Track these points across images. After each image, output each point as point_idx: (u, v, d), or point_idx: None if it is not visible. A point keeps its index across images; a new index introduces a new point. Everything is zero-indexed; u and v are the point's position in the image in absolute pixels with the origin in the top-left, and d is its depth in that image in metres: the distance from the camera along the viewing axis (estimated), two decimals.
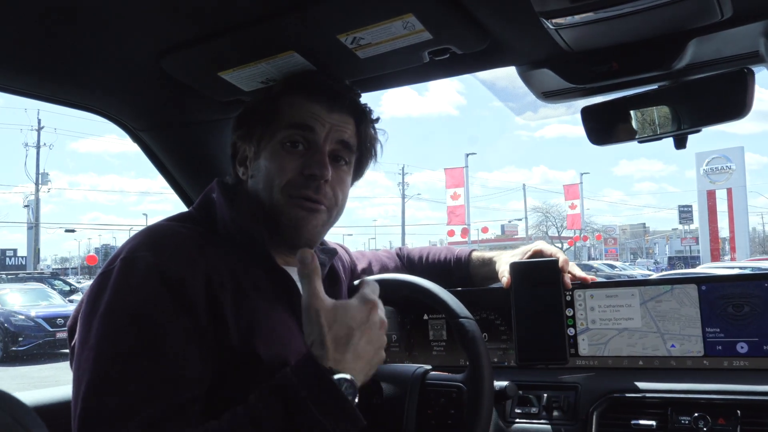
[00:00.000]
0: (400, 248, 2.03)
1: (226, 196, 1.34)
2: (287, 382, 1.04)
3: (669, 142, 1.56)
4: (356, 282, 1.21)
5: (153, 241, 1.19)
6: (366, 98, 1.47)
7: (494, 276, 1.80)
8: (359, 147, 1.41)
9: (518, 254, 1.76)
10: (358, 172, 1.46)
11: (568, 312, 1.72)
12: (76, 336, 1.16)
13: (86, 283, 30.96)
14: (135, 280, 1.12)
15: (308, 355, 1.08)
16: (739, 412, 1.39)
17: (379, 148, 1.47)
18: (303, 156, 1.31)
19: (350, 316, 1.12)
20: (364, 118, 1.41)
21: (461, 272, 1.88)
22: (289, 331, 1.28)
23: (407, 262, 1.96)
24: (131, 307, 1.10)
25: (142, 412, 1.03)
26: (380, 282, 1.67)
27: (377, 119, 1.45)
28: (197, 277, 1.14)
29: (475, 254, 1.91)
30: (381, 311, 1.19)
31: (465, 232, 43.21)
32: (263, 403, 1.04)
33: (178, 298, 1.12)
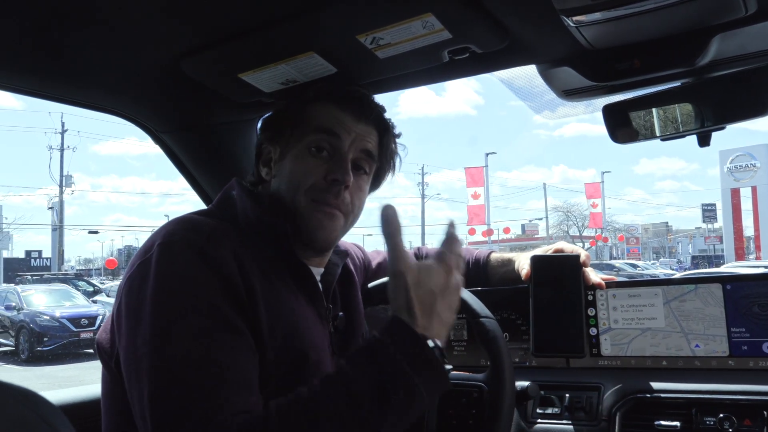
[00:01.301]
0: (418, 248, 2.03)
1: (247, 193, 1.36)
2: (381, 344, 1.04)
3: (691, 140, 1.54)
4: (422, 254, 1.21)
5: (188, 226, 1.20)
6: (383, 98, 1.49)
7: (513, 276, 1.79)
8: (380, 158, 1.44)
9: (539, 253, 1.76)
10: (375, 183, 1.49)
11: (590, 312, 1.70)
12: (123, 330, 1.12)
13: (109, 284, 31.35)
14: (179, 262, 1.12)
15: (397, 319, 1.07)
16: (765, 413, 1.37)
17: (398, 161, 1.50)
18: (327, 162, 1.33)
19: (433, 281, 1.11)
20: (387, 132, 1.44)
21: (479, 273, 1.88)
22: (311, 325, 1.30)
23: None
24: (181, 292, 1.10)
25: (221, 403, 1.03)
26: None
27: (399, 134, 1.48)
28: (233, 261, 1.15)
29: (494, 255, 1.91)
30: (458, 273, 1.16)
31: (488, 232, 43.08)
32: (355, 364, 1.04)
33: (223, 279, 1.13)
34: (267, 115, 1.48)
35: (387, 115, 1.46)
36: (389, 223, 1.12)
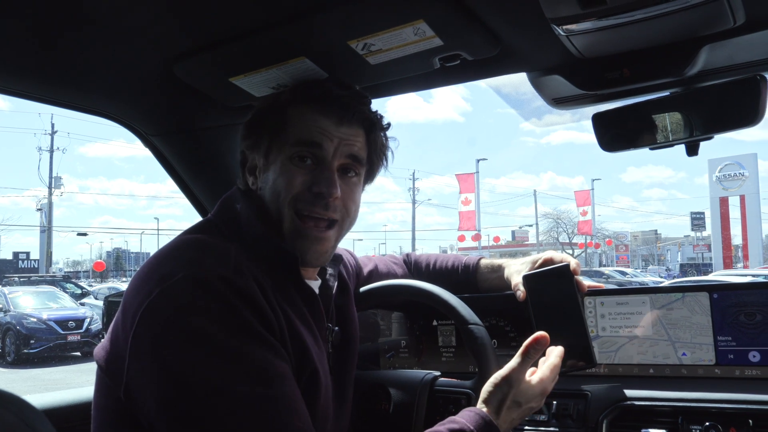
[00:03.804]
0: (407, 254, 2.02)
1: (252, 208, 1.31)
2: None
3: (678, 149, 1.55)
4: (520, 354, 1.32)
5: (211, 255, 1.15)
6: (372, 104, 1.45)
7: (503, 283, 1.78)
8: (369, 156, 1.39)
9: (528, 263, 1.72)
10: (368, 178, 1.44)
11: None
12: (147, 364, 1.07)
13: (98, 287, 31.09)
14: (215, 298, 1.08)
15: (488, 418, 1.24)
16: (750, 421, 1.37)
17: (390, 155, 1.45)
18: (312, 171, 1.29)
19: (530, 397, 1.29)
20: (374, 128, 1.38)
21: (469, 279, 1.87)
22: (314, 346, 1.28)
23: (414, 268, 1.95)
24: (231, 328, 1.07)
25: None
26: (390, 287, 1.68)
27: (388, 125, 1.43)
28: (258, 291, 1.14)
29: (484, 261, 1.89)
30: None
31: (477, 237, 43.18)
32: None
33: (257, 310, 1.12)
34: (247, 120, 1.40)
35: (373, 107, 1.40)
36: (537, 347, 1.32)
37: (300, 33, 1.32)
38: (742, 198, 39.79)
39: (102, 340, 1.24)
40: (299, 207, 1.28)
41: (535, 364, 1.35)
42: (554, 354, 1.36)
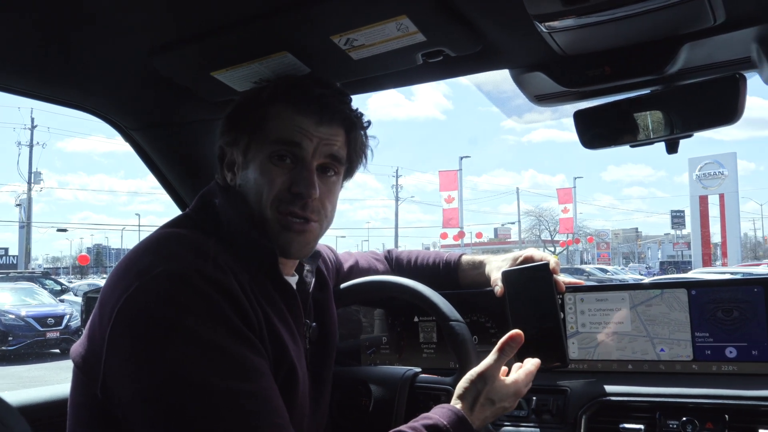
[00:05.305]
0: (389, 251, 2.02)
1: (231, 203, 1.30)
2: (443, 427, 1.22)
3: (658, 147, 1.56)
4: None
5: (190, 249, 1.15)
6: (354, 100, 1.44)
7: (484, 280, 1.79)
8: (349, 155, 1.38)
9: (509, 260, 1.73)
10: (347, 176, 1.44)
11: None
12: (128, 360, 1.06)
13: (77, 283, 30.77)
14: (196, 293, 1.08)
15: (462, 416, 1.25)
16: (727, 416, 1.39)
17: (369, 153, 1.45)
18: (291, 170, 1.28)
19: (503, 396, 1.31)
20: (354, 127, 1.37)
21: (450, 275, 1.88)
22: (292, 340, 1.28)
23: (396, 264, 1.95)
24: (210, 324, 1.07)
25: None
26: (372, 283, 1.68)
27: (368, 124, 1.42)
28: (237, 286, 1.14)
29: (465, 258, 1.90)
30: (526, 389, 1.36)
31: (460, 235, 43.33)
32: None
33: (236, 306, 1.12)
34: (226, 115, 1.38)
35: (354, 105, 1.39)
36: (512, 344, 1.34)
37: (282, 27, 1.31)
38: (722, 197, 40.32)
39: (80, 337, 1.22)
40: (280, 207, 1.27)
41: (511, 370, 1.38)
42: (531, 362, 1.39)
